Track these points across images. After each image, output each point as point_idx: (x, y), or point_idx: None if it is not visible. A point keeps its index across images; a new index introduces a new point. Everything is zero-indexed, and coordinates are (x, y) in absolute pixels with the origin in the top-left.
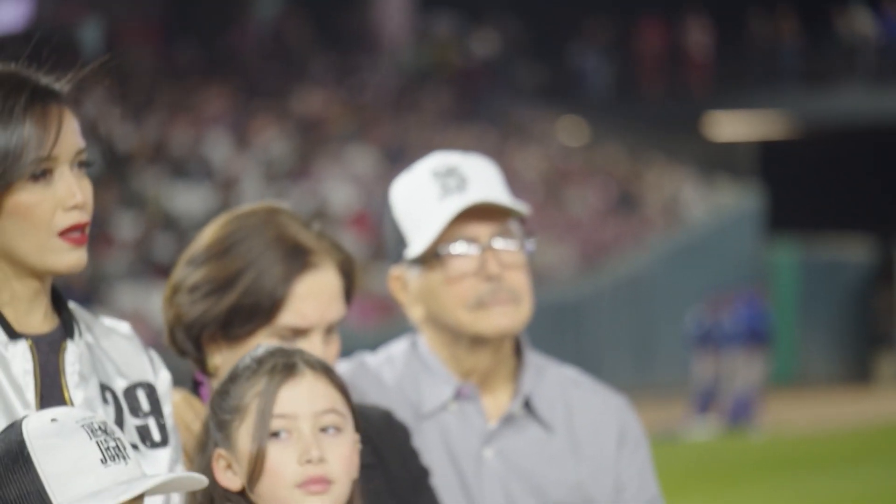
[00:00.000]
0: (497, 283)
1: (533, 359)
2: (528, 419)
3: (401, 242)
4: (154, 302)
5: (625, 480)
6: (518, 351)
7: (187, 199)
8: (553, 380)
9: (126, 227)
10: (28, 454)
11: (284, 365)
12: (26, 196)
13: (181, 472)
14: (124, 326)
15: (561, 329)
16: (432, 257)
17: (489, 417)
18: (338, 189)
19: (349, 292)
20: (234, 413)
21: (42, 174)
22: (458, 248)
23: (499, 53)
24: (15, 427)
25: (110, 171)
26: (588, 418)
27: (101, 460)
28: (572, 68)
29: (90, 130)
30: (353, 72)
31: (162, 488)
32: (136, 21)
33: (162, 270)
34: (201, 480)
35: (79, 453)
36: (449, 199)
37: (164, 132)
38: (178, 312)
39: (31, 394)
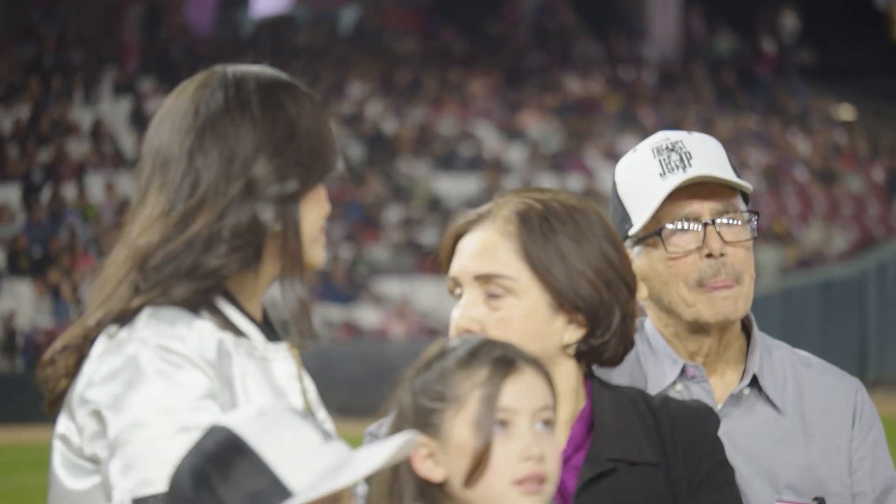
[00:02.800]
0: (719, 260)
1: (762, 338)
2: (756, 399)
3: (625, 220)
4: (420, 291)
5: (856, 461)
6: (746, 329)
7: (455, 187)
8: (783, 360)
9: (393, 215)
10: (249, 448)
11: (503, 357)
12: (320, 193)
13: (403, 436)
14: None
15: (838, 308)
16: (654, 235)
17: (717, 398)
18: (607, 174)
19: (527, 247)
20: (447, 401)
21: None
22: (679, 224)
23: (779, 41)
24: (217, 430)
25: (376, 159)
26: (819, 399)
27: (322, 440)
28: (843, 49)
29: (355, 118)
30: (620, 54)
31: (396, 455)
32: (398, 5)
33: (428, 259)
34: (416, 441)
35: (298, 436)
36: (671, 175)
37: (430, 119)
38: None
39: (296, 398)
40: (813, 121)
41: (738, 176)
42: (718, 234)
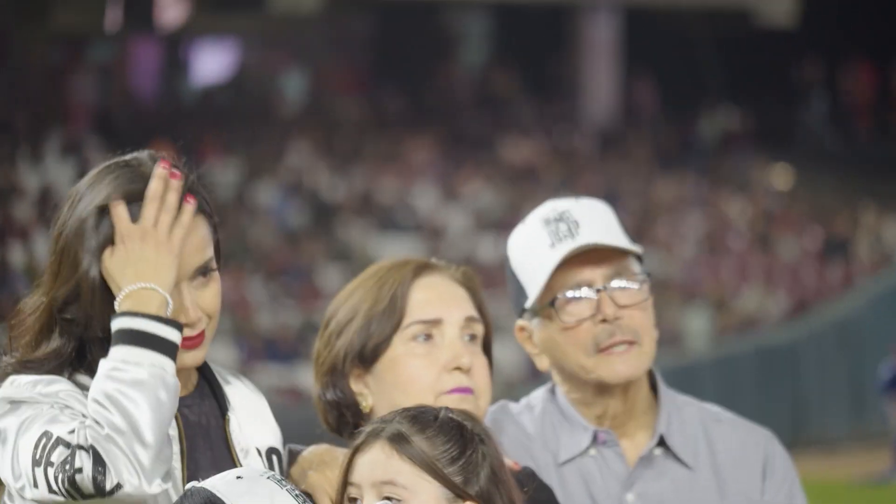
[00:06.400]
0: (614, 324)
1: (670, 397)
2: (666, 459)
3: (521, 293)
4: None
5: None
6: (655, 389)
7: (395, 250)
8: (693, 417)
9: (333, 278)
10: None
11: (369, 433)
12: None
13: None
14: (248, 385)
15: (773, 374)
16: (548, 306)
17: (629, 461)
18: None
19: (480, 309)
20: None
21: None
22: (572, 293)
23: (707, 99)
24: (196, 491)
25: (317, 223)
26: (731, 453)
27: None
28: (781, 114)
29: (296, 183)
30: (560, 119)
31: None
32: (341, 70)
33: None
34: None
35: (275, 499)
36: (560, 245)
37: (370, 183)
38: (323, 372)
39: (177, 462)
40: (751, 185)
41: (632, 239)
42: (612, 298)
